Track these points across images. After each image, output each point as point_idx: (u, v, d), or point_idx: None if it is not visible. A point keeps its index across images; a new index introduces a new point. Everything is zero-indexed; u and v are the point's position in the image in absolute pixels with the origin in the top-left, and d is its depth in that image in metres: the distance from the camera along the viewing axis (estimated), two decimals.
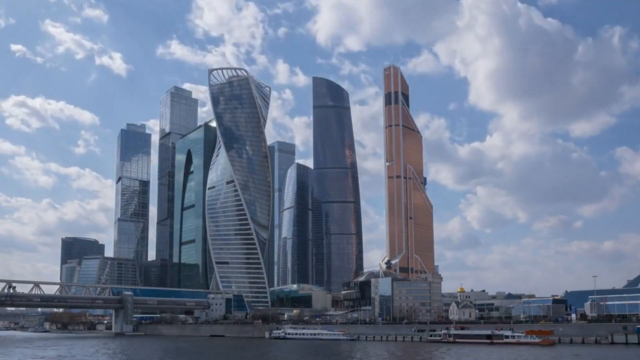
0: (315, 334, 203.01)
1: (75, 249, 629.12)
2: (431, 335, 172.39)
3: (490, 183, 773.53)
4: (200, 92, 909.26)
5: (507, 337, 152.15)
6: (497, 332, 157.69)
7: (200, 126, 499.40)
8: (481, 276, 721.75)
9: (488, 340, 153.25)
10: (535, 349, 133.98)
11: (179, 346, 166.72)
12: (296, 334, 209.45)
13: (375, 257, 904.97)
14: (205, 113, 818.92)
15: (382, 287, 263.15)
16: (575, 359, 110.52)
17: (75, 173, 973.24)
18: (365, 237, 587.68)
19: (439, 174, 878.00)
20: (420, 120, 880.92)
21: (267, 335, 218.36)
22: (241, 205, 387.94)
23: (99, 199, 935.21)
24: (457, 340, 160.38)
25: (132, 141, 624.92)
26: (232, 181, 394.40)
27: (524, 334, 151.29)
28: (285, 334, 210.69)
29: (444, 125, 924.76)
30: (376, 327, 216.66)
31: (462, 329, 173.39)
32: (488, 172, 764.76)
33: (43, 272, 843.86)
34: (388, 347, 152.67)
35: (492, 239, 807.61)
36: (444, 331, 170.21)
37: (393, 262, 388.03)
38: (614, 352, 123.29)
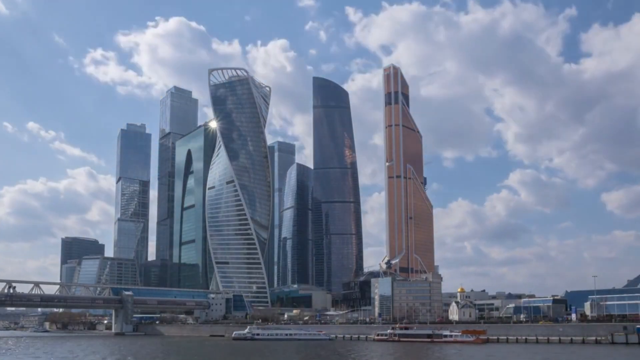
0: (290, 335, 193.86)
1: (75, 249, 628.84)
2: (378, 334, 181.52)
3: (576, 131, 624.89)
4: (200, 92, 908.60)
5: (445, 336, 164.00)
6: (437, 332, 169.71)
7: (200, 126, 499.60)
8: (507, 273, 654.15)
9: (429, 339, 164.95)
10: (469, 346, 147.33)
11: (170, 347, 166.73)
12: (267, 334, 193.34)
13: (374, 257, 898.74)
14: (205, 113, 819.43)
15: (382, 287, 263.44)
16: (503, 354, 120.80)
17: None
18: (365, 237, 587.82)
19: (509, 107, 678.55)
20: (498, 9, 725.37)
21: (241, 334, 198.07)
22: (241, 205, 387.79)
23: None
24: (401, 339, 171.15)
25: (132, 141, 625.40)
26: (232, 181, 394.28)
27: (460, 333, 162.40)
28: (253, 334, 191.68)
29: (536, 14, 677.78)
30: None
31: (406, 328, 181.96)
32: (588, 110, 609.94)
33: (43, 272, 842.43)
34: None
35: (543, 222, 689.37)
36: (389, 331, 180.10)
37: (393, 262, 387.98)
38: (612, 352, 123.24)
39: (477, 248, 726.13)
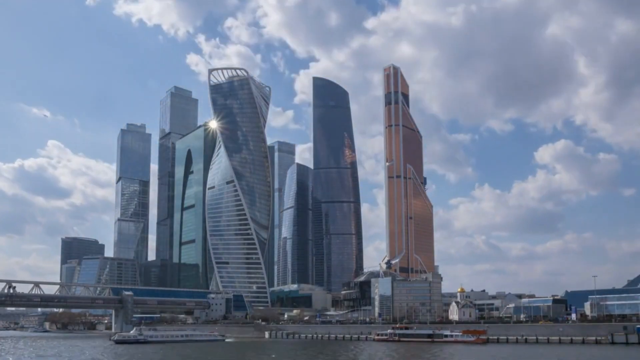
0: (185, 336, 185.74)
1: (75, 249, 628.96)
2: (378, 334, 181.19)
3: None
4: (201, 92, 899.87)
5: (446, 336, 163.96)
6: (437, 332, 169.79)
7: (200, 126, 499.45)
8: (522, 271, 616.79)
9: (429, 339, 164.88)
10: (470, 346, 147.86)
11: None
12: (159, 337, 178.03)
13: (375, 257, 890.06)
14: (205, 113, 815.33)
15: (382, 287, 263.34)
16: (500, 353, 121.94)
17: None
18: (365, 236, 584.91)
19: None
20: None
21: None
22: (241, 205, 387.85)
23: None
24: (401, 339, 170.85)
25: (132, 141, 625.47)
26: (232, 181, 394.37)
27: (460, 333, 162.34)
28: (145, 337, 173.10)
29: None
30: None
31: (406, 328, 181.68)
32: None
33: (43, 272, 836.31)
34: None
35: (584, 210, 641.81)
36: (389, 331, 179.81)
37: (393, 262, 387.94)
38: (612, 352, 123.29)
39: (504, 241, 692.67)
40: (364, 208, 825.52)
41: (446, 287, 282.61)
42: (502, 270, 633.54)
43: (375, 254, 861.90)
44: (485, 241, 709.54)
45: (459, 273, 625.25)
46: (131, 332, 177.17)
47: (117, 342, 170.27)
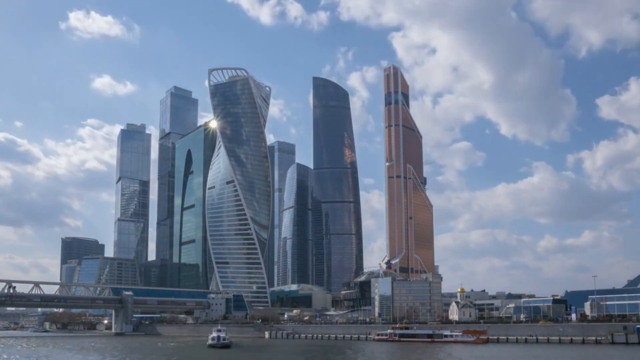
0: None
1: (75, 249, 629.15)
2: (378, 334, 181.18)
3: None
4: (201, 92, 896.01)
5: (446, 336, 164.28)
6: (437, 332, 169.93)
7: (200, 126, 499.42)
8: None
9: (429, 339, 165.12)
10: (470, 346, 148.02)
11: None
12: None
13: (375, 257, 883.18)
14: (205, 113, 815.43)
15: (382, 287, 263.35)
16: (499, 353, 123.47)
17: None
18: (365, 236, 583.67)
19: None
20: None
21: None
22: (241, 205, 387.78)
23: None
24: (401, 339, 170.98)
25: (132, 141, 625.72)
26: (232, 181, 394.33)
27: (460, 333, 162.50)
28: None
29: None
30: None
31: (406, 328, 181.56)
32: None
33: (43, 272, 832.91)
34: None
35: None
36: (389, 331, 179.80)
37: (393, 262, 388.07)
38: (612, 352, 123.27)
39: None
40: (364, 208, 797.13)
41: (460, 284, 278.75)
42: (526, 266, 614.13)
43: (378, 249, 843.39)
44: (513, 232, 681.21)
45: (475, 268, 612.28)
46: (214, 334, 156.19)
47: (214, 346, 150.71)
